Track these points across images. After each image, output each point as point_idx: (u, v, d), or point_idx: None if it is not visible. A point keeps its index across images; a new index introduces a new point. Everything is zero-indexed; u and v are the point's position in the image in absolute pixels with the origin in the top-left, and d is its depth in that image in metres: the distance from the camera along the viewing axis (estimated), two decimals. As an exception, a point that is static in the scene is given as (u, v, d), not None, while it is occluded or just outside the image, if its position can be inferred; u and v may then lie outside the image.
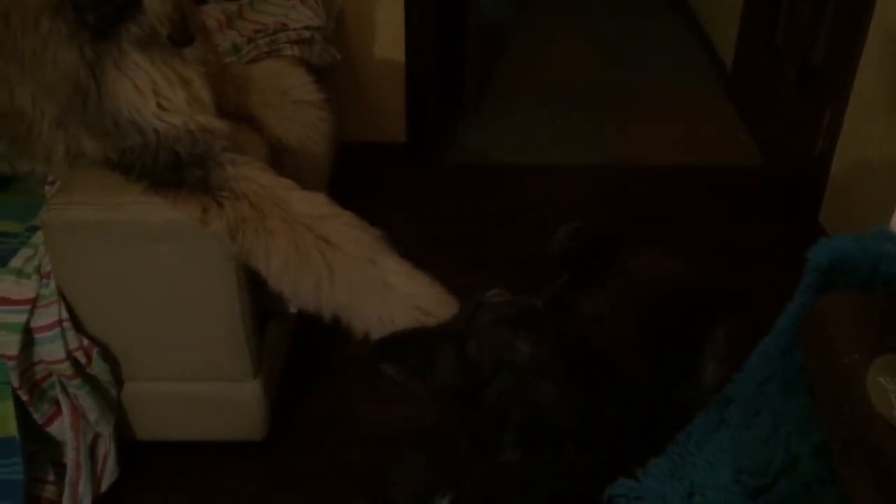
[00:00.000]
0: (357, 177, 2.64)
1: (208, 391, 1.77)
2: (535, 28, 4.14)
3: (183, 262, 1.59)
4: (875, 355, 1.03)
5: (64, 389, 1.62)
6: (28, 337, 1.55)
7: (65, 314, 1.58)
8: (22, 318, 1.54)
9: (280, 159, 1.81)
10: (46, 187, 1.71)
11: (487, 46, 3.64)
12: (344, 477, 1.83)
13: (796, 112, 2.77)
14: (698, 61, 3.79)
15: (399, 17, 2.69)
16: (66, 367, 1.59)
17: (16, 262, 1.60)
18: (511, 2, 4.40)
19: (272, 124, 1.85)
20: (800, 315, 1.23)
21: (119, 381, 1.72)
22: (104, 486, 1.73)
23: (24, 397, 1.57)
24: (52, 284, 1.58)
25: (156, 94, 1.50)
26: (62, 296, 1.58)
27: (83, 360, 1.61)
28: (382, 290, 1.59)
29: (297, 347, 2.08)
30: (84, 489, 1.67)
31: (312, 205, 1.59)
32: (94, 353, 1.63)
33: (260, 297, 1.74)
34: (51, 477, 1.68)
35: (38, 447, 1.66)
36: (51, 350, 1.57)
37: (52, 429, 1.64)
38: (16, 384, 1.54)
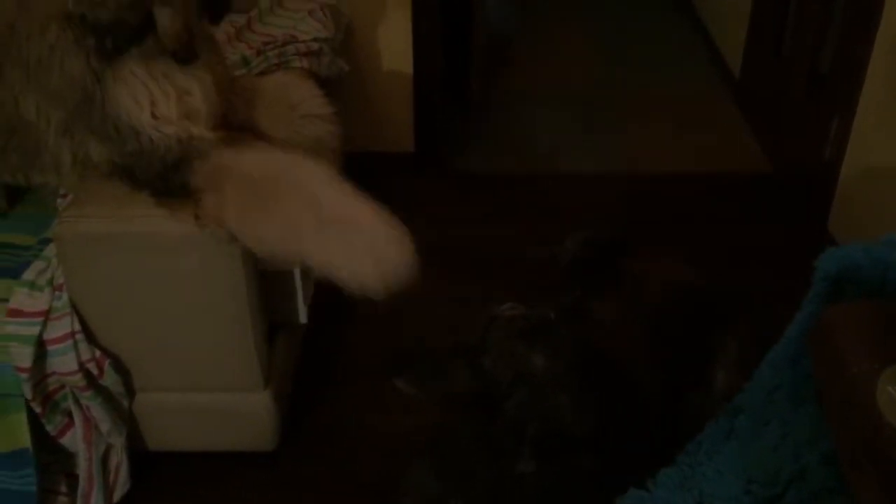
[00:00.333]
0: (366, 187, 2.65)
1: (219, 402, 1.78)
2: (540, 35, 4.15)
3: (194, 274, 1.60)
4: (884, 365, 1.03)
5: (76, 401, 1.63)
6: (41, 349, 1.56)
7: (77, 326, 1.59)
8: (35, 330, 1.55)
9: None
10: (59, 200, 1.72)
11: (493, 55, 3.65)
12: (353, 487, 1.84)
13: (804, 119, 2.76)
14: (705, 67, 3.79)
15: (406, 28, 2.70)
16: (78, 379, 1.59)
17: (28, 275, 1.61)
18: (516, 9, 4.41)
19: (280, 138, 1.86)
20: (808, 324, 1.23)
21: (131, 393, 1.73)
22: (116, 497, 1.73)
23: (37, 409, 1.57)
24: (65, 297, 1.59)
25: (152, 104, 1.51)
26: (74, 308, 1.60)
27: (95, 371, 1.62)
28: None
29: (306, 358, 2.09)
30: (96, 500, 1.68)
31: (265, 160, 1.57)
32: (106, 364, 1.64)
33: (269, 309, 1.75)
34: (63, 488, 1.70)
35: (51, 458, 1.67)
36: (63, 362, 1.58)
37: (65, 440, 1.64)
38: (29, 396, 1.55)
